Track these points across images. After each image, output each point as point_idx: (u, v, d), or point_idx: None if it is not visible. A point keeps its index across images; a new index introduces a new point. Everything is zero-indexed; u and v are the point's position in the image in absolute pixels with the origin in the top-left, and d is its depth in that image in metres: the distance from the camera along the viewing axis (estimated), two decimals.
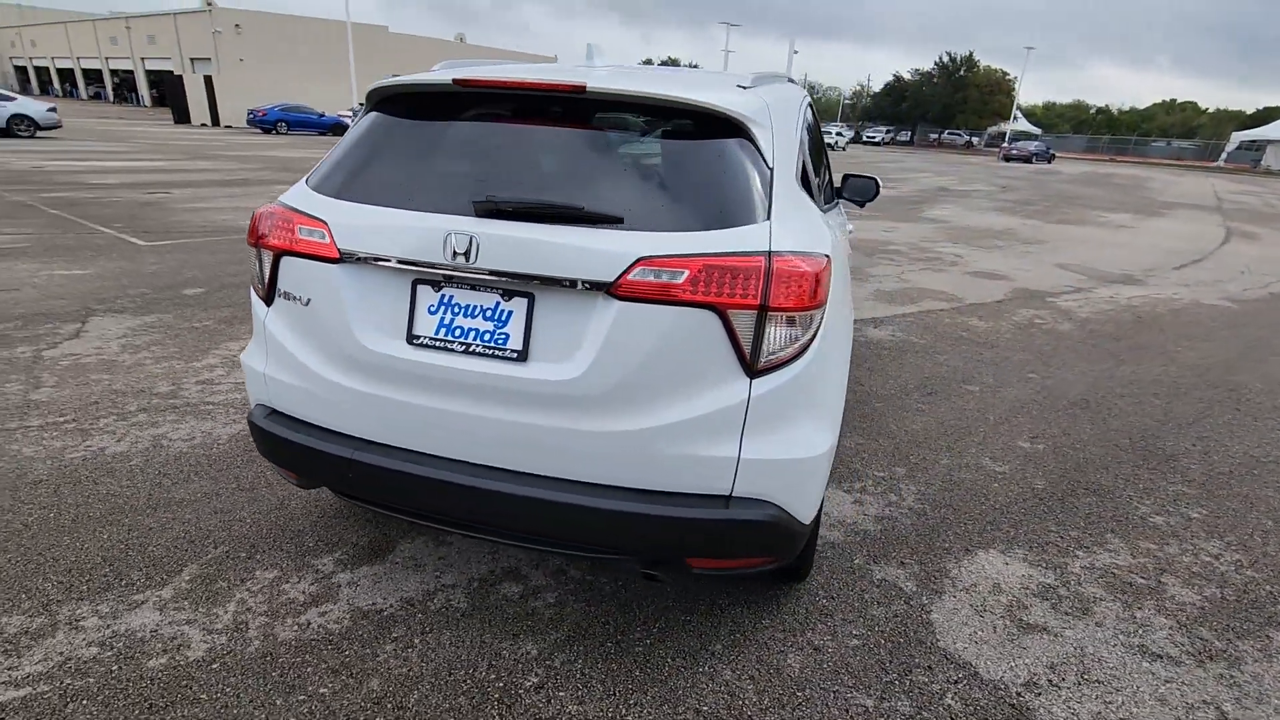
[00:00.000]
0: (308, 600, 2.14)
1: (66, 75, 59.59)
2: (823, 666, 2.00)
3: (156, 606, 2.08)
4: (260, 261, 1.90)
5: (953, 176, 25.36)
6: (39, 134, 19.27)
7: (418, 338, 1.72)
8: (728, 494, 1.68)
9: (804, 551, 2.12)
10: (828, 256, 1.75)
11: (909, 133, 71.47)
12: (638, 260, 1.55)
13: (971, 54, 65.42)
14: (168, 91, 35.44)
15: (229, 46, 43.35)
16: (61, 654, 1.88)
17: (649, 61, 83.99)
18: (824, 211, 2.45)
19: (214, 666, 1.87)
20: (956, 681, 1.97)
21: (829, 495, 2.93)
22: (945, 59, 66.45)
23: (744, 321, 1.58)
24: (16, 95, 20.43)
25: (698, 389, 1.61)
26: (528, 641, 2.03)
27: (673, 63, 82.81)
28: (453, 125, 1.85)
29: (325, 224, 1.75)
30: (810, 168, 2.36)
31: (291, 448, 1.88)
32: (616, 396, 1.62)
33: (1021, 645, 2.13)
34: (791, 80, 2.91)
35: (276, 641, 1.97)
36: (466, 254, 1.61)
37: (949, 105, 64.97)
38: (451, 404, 1.71)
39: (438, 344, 1.70)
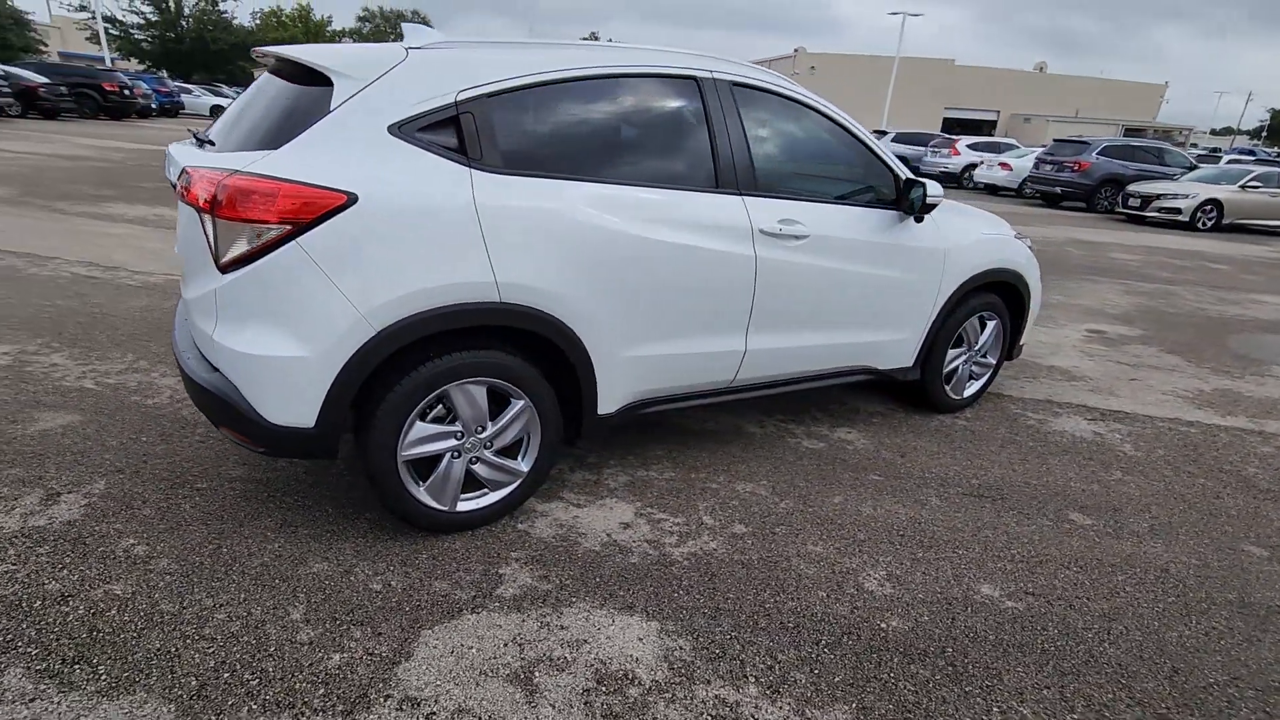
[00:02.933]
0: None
1: None
2: (322, 584, 2.11)
3: (132, 368, 3.49)
4: None
5: None
6: None
7: (179, 240, 2.57)
8: (214, 367, 2.07)
9: (396, 495, 2.21)
10: (342, 193, 1.92)
11: None
12: (184, 169, 2.07)
13: None
14: None
15: (801, 86, 49.81)
16: (79, 375, 3.41)
17: None
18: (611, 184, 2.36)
19: (89, 392, 3.13)
20: (356, 656, 1.85)
21: (580, 501, 2.62)
22: None
23: (208, 223, 1.94)
24: None
25: (206, 273, 2.04)
26: (231, 467, 2.70)
27: None
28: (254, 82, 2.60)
29: None
30: (524, 130, 2.28)
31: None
32: (188, 266, 2.18)
33: (483, 684, 1.79)
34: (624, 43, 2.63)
35: (126, 400, 3.13)
36: (179, 177, 2.38)
37: None
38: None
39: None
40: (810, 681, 1.88)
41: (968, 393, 3.76)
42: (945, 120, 49.88)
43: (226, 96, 32.10)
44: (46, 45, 39.03)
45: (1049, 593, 2.32)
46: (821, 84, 49.48)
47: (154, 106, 26.66)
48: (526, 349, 2.35)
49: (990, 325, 3.67)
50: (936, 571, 2.39)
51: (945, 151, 22.56)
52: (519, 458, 2.46)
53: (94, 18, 35.12)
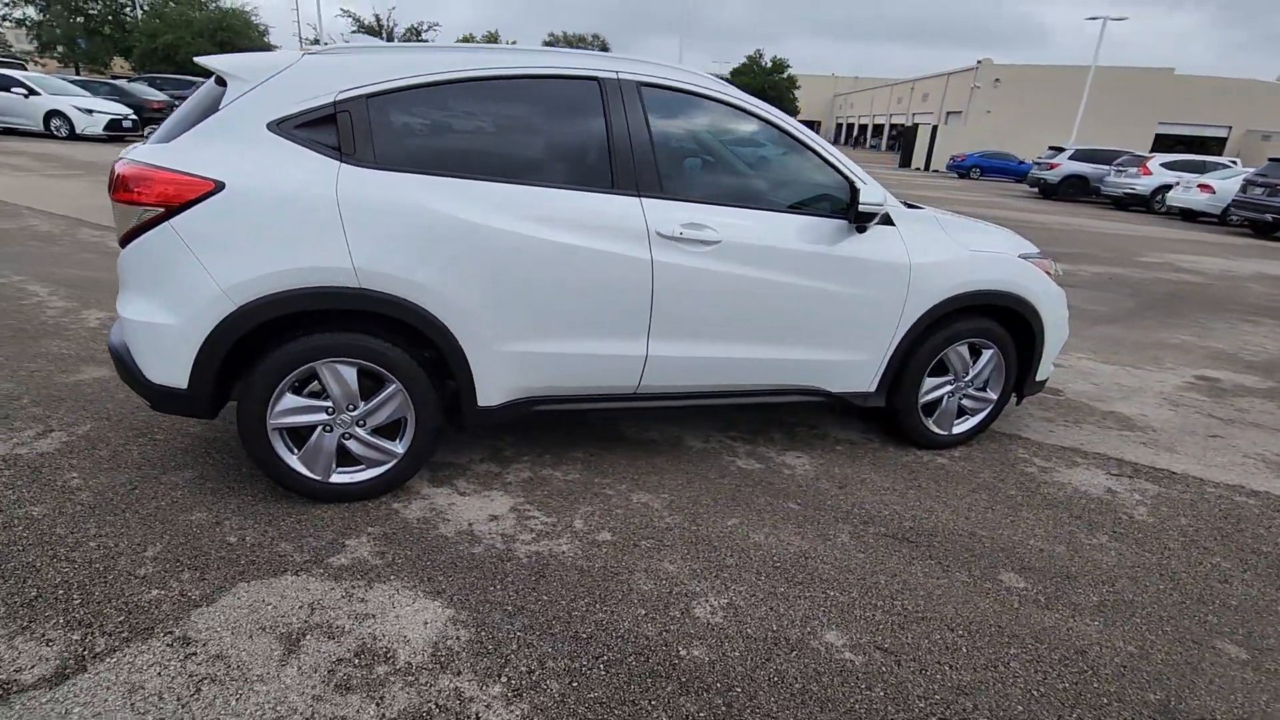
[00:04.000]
0: None
1: (861, 130, 74.56)
2: (190, 530, 2.35)
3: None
4: None
5: None
6: None
7: None
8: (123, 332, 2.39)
9: (265, 459, 2.42)
10: (209, 180, 2.17)
11: None
12: (119, 159, 2.42)
13: None
14: (901, 140, 41.00)
15: (982, 100, 46.16)
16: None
17: None
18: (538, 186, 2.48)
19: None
20: (170, 595, 2.05)
21: (469, 490, 2.66)
22: None
23: (111, 204, 2.26)
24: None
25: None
26: (192, 424, 3.07)
27: None
28: None
29: None
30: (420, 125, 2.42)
31: None
32: None
33: (255, 637, 1.91)
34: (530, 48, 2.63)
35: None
36: None
37: None
38: None
39: None
40: (561, 692, 1.80)
41: (959, 429, 3.34)
42: (1158, 136, 43.91)
43: None
44: None
45: (906, 651, 2.03)
46: (1007, 97, 45.69)
47: None
48: (404, 336, 2.46)
49: (986, 354, 3.24)
50: (786, 609, 2.18)
51: (1133, 170, 19.92)
52: (398, 439, 2.58)
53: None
